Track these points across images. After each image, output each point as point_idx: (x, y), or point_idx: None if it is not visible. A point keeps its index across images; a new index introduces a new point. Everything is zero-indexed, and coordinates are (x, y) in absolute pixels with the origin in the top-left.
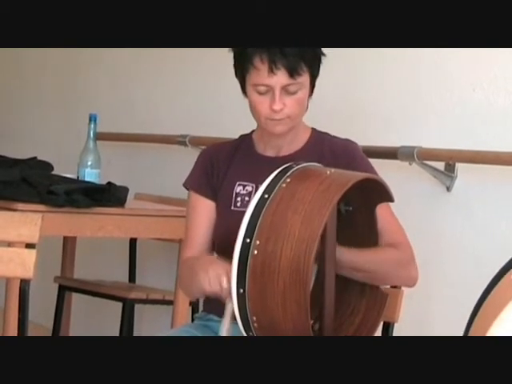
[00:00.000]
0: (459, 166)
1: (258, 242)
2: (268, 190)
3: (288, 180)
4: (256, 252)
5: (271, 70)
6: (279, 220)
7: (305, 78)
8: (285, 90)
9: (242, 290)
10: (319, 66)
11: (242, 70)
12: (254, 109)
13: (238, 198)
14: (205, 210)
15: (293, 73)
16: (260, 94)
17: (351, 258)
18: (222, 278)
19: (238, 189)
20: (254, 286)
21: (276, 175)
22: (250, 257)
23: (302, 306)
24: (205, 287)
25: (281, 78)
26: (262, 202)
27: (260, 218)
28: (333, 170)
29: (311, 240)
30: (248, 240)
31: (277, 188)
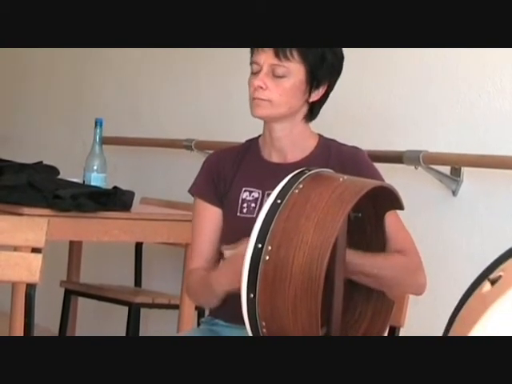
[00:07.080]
0: (465, 170)
1: (269, 248)
2: (281, 196)
3: (301, 186)
4: (268, 258)
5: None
6: (292, 226)
7: (294, 66)
8: (272, 70)
9: (252, 295)
10: (321, 65)
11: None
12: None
13: (245, 205)
14: (211, 217)
15: (279, 52)
16: (253, 73)
17: (361, 262)
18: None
19: (245, 195)
20: (264, 292)
21: (289, 180)
22: (261, 262)
23: (313, 313)
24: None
25: (268, 56)
26: (274, 207)
27: (272, 224)
28: (345, 176)
29: (324, 247)
30: (260, 245)
31: (289, 193)
